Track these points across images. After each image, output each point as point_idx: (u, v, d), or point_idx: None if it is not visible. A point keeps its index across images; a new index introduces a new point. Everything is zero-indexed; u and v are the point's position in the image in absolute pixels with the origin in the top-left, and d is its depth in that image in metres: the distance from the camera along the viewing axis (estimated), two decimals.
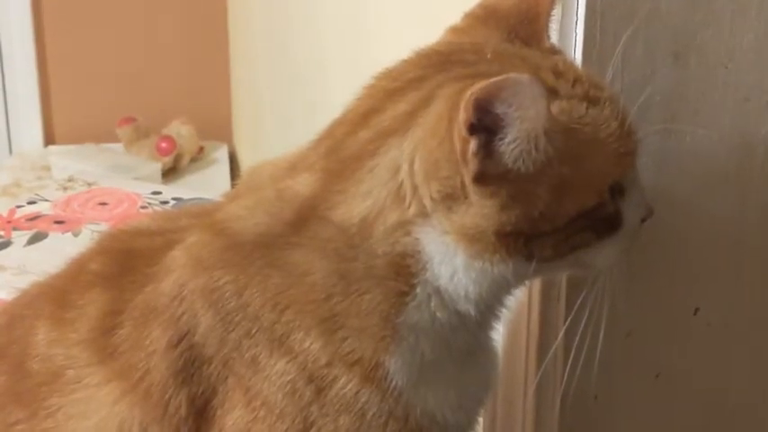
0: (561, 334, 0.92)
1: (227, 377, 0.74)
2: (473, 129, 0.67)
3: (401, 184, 0.72)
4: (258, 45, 2.48)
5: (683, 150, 0.91)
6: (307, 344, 0.72)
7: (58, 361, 0.76)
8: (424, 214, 0.72)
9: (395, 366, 0.72)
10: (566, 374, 0.91)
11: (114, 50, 2.94)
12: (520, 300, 0.94)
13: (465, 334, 0.76)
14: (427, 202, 0.71)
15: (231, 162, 2.89)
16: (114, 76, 2.94)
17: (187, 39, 2.98)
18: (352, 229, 0.73)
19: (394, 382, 0.73)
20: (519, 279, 0.76)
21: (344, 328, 0.72)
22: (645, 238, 0.92)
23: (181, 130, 2.78)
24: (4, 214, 1.60)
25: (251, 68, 2.64)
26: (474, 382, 0.79)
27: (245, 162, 2.81)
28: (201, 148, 2.85)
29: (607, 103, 0.73)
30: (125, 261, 0.80)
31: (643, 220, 0.78)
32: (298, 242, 0.74)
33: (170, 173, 2.72)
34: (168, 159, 2.70)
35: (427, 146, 0.70)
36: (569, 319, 0.91)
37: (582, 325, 0.92)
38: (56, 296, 0.80)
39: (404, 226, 0.72)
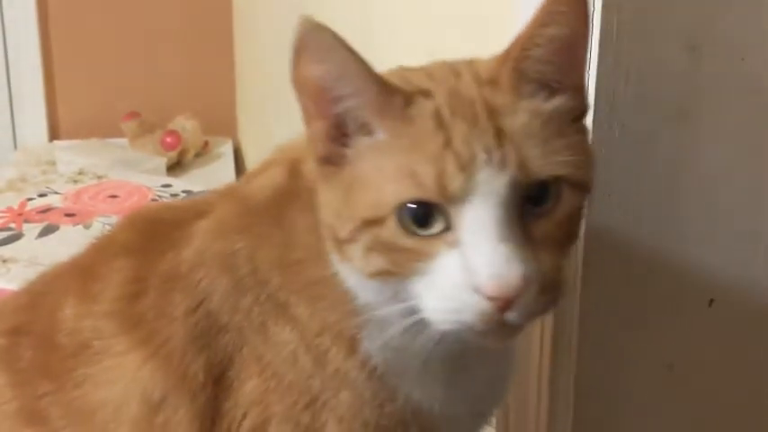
0: (575, 326, 0.93)
1: (242, 347, 0.74)
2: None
3: None
4: (262, 40, 2.48)
5: (697, 142, 0.91)
6: (299, 310, 0.73)
7: (85, 333, 0.77)
8: None
9: (371, 345, 0.72)
10: (579, 366, 0.92)
11: (119, 45, 2.94)
12: None
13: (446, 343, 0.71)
14: None
15: (236, 157, 2.88)
16: (119, 71, 2.94)
17: (191, 33, 2.98)
18: None
19: (373, 361, 0.73)
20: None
21: (325, 299, 0.73)
22: (659, 231, 0.92)
23: (185, 124, 2.77)
24: (15, 207, 1.60)
25: (255, 63, 2.64)
26: (474, 382, 0.77)
27: (250, 157, 2.81)
28: (206, 143, 2.85)
29: None
30: (150, 228, 0.81)
31: None
32: (298, 196, 0.75)
33: (175, 168, 2.71)
34: (173, 154, 2.69)
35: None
36: (583, 312, 0.92)
37: (596, 317, 0.92)
38: (82, 271, 0.81)
39: None
